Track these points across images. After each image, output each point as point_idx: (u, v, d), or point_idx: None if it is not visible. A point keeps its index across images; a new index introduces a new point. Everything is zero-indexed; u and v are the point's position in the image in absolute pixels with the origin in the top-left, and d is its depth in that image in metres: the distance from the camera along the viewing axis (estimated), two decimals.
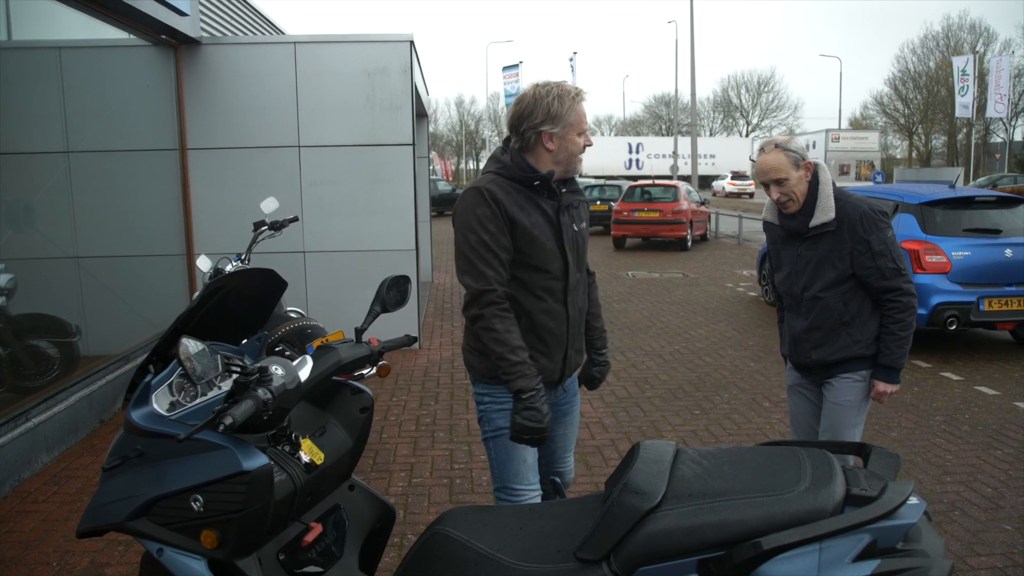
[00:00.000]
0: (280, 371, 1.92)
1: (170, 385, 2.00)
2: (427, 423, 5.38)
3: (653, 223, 16.96)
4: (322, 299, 7.15)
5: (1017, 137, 50.19)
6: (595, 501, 1.93)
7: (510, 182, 2.50)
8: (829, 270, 2.95)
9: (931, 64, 56.13)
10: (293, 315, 5.06)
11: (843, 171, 40.64)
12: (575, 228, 2.59)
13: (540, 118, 2.45)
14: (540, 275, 2.52)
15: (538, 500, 2.71)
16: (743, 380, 6.49)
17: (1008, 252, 7.08)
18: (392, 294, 2.37)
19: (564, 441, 2.80)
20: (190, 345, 1.74)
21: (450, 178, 53.16)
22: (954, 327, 6.95)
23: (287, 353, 4.51)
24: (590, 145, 2.59)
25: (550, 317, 2.55)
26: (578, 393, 2.85)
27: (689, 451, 1.89)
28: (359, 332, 2.27)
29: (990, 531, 3.79)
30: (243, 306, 2.31)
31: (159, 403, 1.97)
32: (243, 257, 5.18)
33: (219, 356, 1.79)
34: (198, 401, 2.00)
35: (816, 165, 2.98)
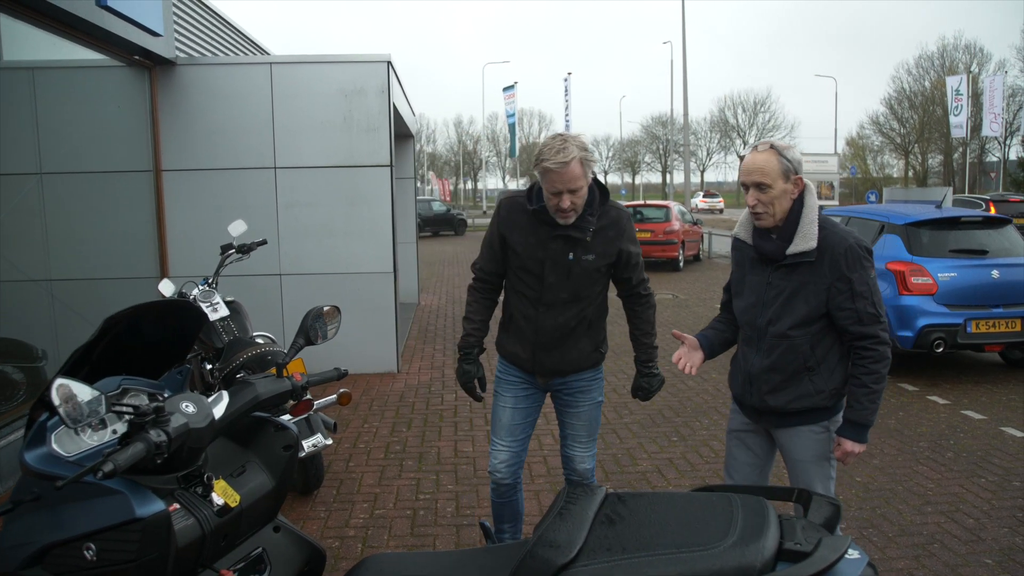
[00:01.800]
0: (190, 408, 1.81)
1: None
2: (397, 451, 5.25)
3: (644, 243, 16.69)
4: (298, 323, 7.03)
5: (1012, 156, 50.26)
6: (517, 549, 1.81)
7: (524, 202, 3.01)
8: (801, 305, 2.65)
9: (926, 84, 56.36)
10: (260, 340, 4.94)
11: None
12: (569, 257, 2.94)
13: (534, 164, 2.88)
14: (519, 281, 3.06)
15: (504, 456, 3.19)
16: (724, 405, 6.35)
17: (995, 273, 6.97)
18: (318, 325, 2.26)
19: (567, 430, 3.24)
20: (64, 387, 1.62)
21: (448, 198, 53.22)
22: (941, 349, 6.83)
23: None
24: (565, 207, 2.82)
25: (521, 315, 3.08)
26: (591, 394, 3.20)
27: (619, 496, 1.77)
28: (280, 366, 2.15)
29: (970, 565, 3.66)
30: (163, 337, 2.19)
31: (59, 443, 1.84)
32: (210, 281, 5.07)
33: (103, 397, 1.67)
34: (105, 441, 1.88)
35: (806, 185, 2.68)
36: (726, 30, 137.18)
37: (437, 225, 31.52)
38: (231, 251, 5.22)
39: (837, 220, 2.93)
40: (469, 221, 35.50)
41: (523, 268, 3.02)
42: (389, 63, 7.05)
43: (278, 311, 7.06)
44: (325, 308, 2.34)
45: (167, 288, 4.80)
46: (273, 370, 2.20)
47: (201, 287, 4.99)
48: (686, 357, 2.98)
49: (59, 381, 1.61)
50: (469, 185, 77.92)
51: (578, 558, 1.54)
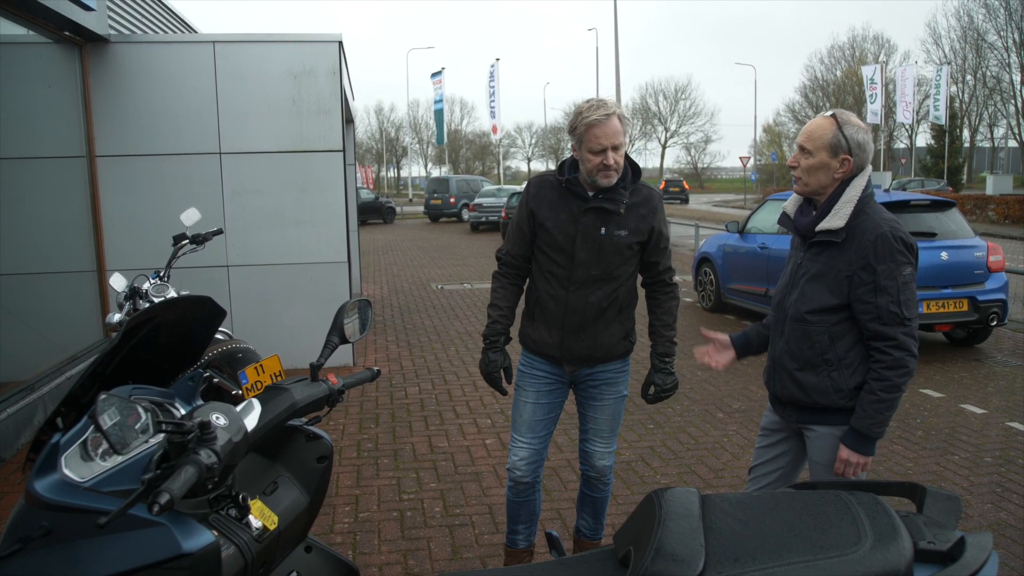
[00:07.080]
0: (222, 420, 1.57)
1: (84, 443, 1.61)
2: (369, 448, 5.00)
3: None
4: (248, 317, 6.67)
5: (920, 143, 52.68)
6: (602, 561, 1.64)
7: (553, 178, 2.91)
8: (822, 291, 2.47)
9: (838, 73, 58.46)
10: (220, 336, 4.61)
11: None
12: (601, 231, 2.82)
13: (568, 131, 2.83)
14: (548, 260, 2.91)
15: (524, 454, 3.05)
16: (692, 391, 6.33)
17: (944, 255, 7.16)
18: (351, 322, 2.04)
19: (588, 423, 3.09)
20: (112, 407, 1.36)
21: (371, 186, 52.32)
22: None
23: (215, 380, 4.08)
24: (609, 164, 2.72)
25: (550, 297, 2.94)
26: (616, 387, 3.05)
27: (716, 499, 1.62)
28: (315, 368, 1.93)
29: None
30: (174, 340, 1.93)
31: (70, 467, 1.57)
32: (162, 274, 4.70)
33: (149, 416, 1.43)
34: (119, 460, 1.62)
35: (860, 172, 2.46)
36: (646, 17, 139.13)
37: (366, 214, 30.88)
38: (184, 241, 4.86)
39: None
40: (398, 210, 34.92)
41: (553, 245, 2.88)
42: (340, 43, 6.72)
43: (226, 305, 6.65)
44: (357, 301, 2.13)
45: (119, 283, 4.41)
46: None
47: (153, 280, 4.61)
48: (713, 353, 2.82)
49: (104, 395, 1.35)
50: (392, 173, 76.74)
51: (706, 570, 1.38)
